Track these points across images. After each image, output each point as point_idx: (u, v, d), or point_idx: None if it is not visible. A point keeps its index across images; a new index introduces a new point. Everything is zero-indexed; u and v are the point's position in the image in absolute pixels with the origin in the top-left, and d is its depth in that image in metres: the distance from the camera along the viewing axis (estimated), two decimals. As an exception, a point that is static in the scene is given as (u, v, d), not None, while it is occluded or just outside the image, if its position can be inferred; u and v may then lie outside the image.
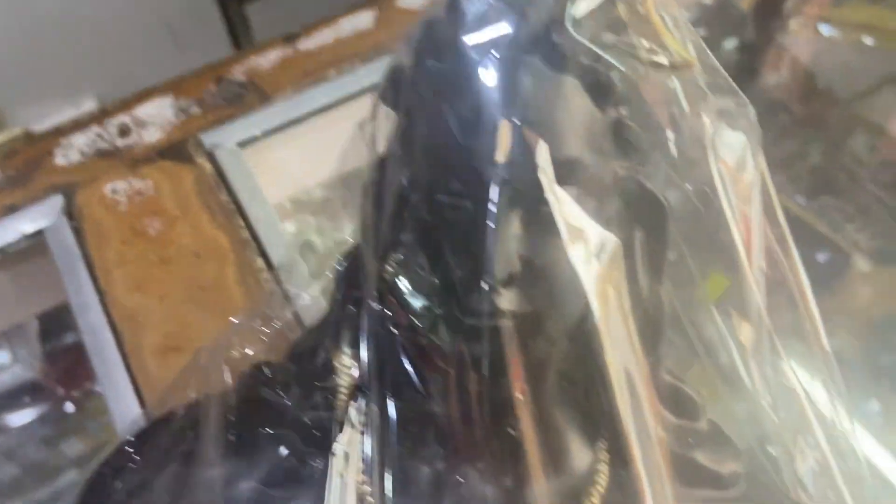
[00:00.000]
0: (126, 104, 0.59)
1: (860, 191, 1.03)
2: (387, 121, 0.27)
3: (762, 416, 0.30)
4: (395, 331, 0.26)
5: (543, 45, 0.23)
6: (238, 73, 0.60)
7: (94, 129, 0.57)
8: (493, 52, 0.22)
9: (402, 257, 0.24)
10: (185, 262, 0.51)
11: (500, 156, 0.21)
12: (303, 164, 0.59)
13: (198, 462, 0.30)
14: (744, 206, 0.28)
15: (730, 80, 0.27)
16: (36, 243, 0.54)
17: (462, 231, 0.23)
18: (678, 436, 0.28)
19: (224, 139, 0.56)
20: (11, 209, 0.54)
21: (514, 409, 0.24)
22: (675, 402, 0.30)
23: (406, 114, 0.25)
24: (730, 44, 1.12)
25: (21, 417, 0.95)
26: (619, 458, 0.28)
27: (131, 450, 0.33)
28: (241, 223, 0.52)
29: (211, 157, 0.55)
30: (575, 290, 0.24)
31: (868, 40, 1.18)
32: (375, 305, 0.26)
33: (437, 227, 0.23)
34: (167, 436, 0.33)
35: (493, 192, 0.21)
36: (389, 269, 0.25)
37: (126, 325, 0.48)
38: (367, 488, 0.28)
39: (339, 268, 0.31)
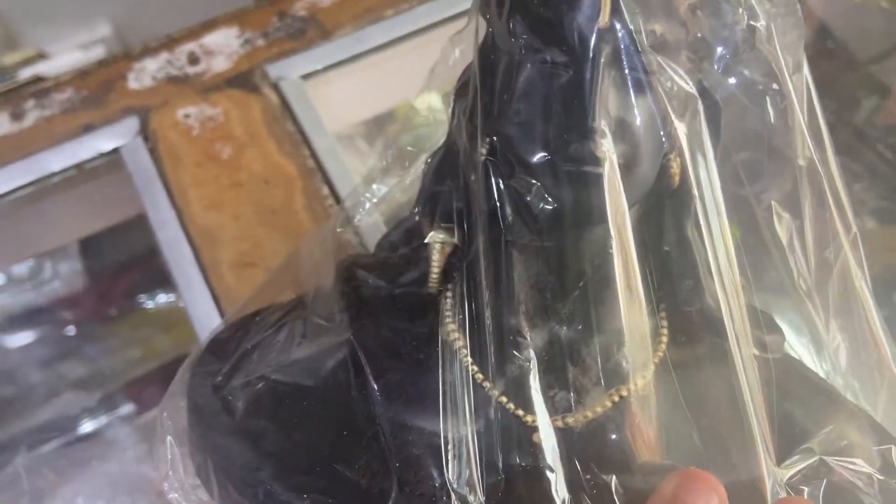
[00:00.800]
0: (193, 33, 0.61)
1: (868, 151, 1.07)
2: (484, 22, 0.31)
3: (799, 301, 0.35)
4: (502, 181, 0.30)
5: None
6: (300, 8, 0.63)
7: (164, 55, 0.60)
8: None
9: (508, 111, 0.28)
10: (256, 186, 0.54)
11: (603, 20, 0.25)
12: (360, 98, 0.62)
13: (314, 327, 0.34)
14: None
15: None
16: (110, 161, 0.57)
17: (568, 91, 0.27)
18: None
19: (288, 72, 0.59)
20: (88, 128, 0.57)
21: (609, 252, 0.29)
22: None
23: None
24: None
25: (21, 339, 0.99)
26: (676, 322, 0.33)
27: (250, 319, 0.37)
28: (307, 152, 0.56)
29: (276, 89, 0.59)
30: (657, 153, 0.29)
31: (884, 2, 1.20)
32: (484, 160, 0.29)
33: (545, 90, 0.27)
34: (278, 312, 0.37)
35: (596, 54, 0.26)
36: (487, 144, 0.29)
37: (203, 241, 0.52)
38: (464, 346, 0.32)
39: (429, 163, 0.35)
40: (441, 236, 0.34)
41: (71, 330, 0.98)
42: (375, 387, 0.33)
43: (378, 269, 0.37)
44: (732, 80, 0.32)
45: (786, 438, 0.31)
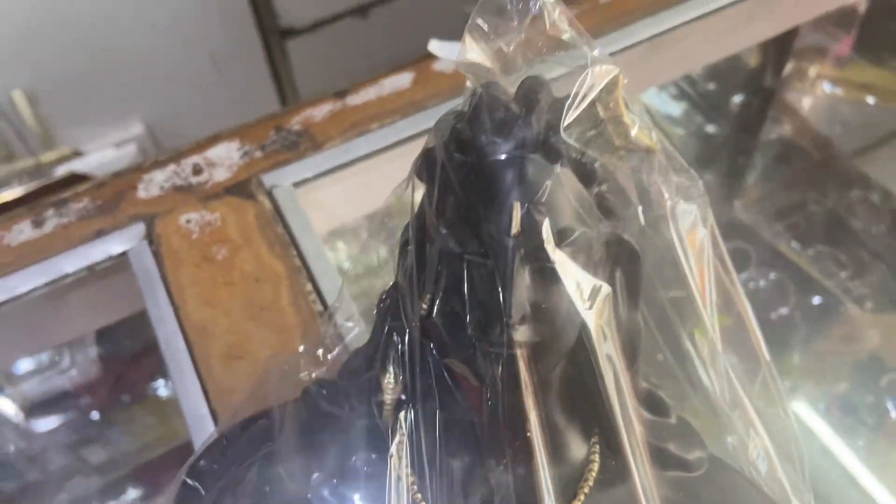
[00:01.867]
0: (199, 146, 0.68)
1: (854, 241, 1.11)
2: (420, 191, 0.36)
3: (721, 414, 0.38)
4: (434, 356, 0.34)
5: (544, 144, 0.31)
6: (295, 123, 0.70)
7: (172, 166, 0.67)
8: (505, 150, 0.31)
9: (439, 301, 0.33)
10: (247, 284, 0.60)
11: (514, 229, 0.30)
12: (347, 202, 0.68)
13: (278, 460, 0.39)
14: (698, 260, 0.37)
15: (683, 161, 0.36)
16: (119, 263, 0.63)
17: (486, 283, 0.31)
18: (653, 430, 0.36)
19: (281, 180, 0.66)
20: (100, 233, 0.64)
21: (526, 415, 0.33)
22: (651, 403, 0.38)
23: (438, 189, 0.33)
24: (737, 98, 1.21)
25: (47, 424, 1.04)
26: (609, 448, 0.36)
27: (222, 445, 0.42)
28: (294, 253, 0.61)
29: (270, 195, 0.65)
30: (572, 324, 0.33)
31: (870, 100, 1.26)
32: (419, 338, 0.34)
33: (466, 280, 0.32)
34: (249, 440, 0.41)
35: (510, 256, 0.30)
36: (426, 308, 0.34)
37: (196, 335, 0.57)
38: (413, 479, 0.36)
39: (381, 304, 0.39)
40: (389, 382, 0.38)
41: (94, 415, 1.04)
42: None
43: (336, 396, 0.41)
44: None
45: None
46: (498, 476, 0.35)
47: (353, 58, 1.77)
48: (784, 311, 1.05)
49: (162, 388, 1.04)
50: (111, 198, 0.66)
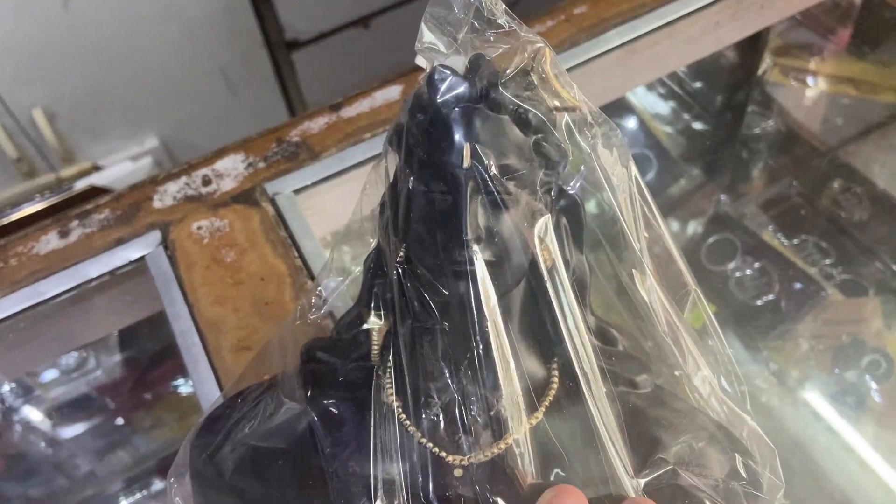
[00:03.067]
0: (207, 160, 0.75)
1: (837, 230, 1.15)
2: (393, 160, 0.42)
3: (667, 349, 0.44)
4: (410, 287, 0.40)
5: (486, 99, 0.38)
6: (294, 135, 0.76)
7: (183, 178, 0.73)
8: (455, 106, 0.37)
9: (410, 233, 0.39)
10: (253, 283, 0.66)
11: (465, 164, 0.37)
12: (343, 206, 0.74)
13: (281, 387, 0.45)
14: (624, 198, 0.43)
15: (604, 115, 0.42)
16: (138, 267, 0.70)
17: (448, 213, 0.37)
18: (603, 355, 0.42)
19: (283, 187, 0.72)
20: (119, 241, 0.70)
21: (490, 328, 0.39)
22: (600, 334, 0.44)
23: (405, 150, 0.39)
24: (722, 95, 1.25)
25: (73, 430, 1.10)
26: (566, 371, 0.42)
27: (235, 399, 0.48)
28: (295, 254, 0.68)
29: (273, 202, 0.71)
30: (524, 247, 0.39)
31: (852, 92, 1.31)
32: (399, 278, 0.40)
33: (433, 213, 0.38)
34: (257, 390, 0.47)
35: (463, 186, 0.37)
36: (402, 256, 0.40)
37: (209, 330, 0.63)
38: (398, 404, 0.42)
39: (367, 264, 0.46)
40: (377, 322, 0.45)
41: (119, 420, 1.10)
42: (324, 445, 0.44)
43: (333, 349, 0.47)
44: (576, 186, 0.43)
45: (646, 454, 0.41)
46: (466, 389, 0.41)
47: (357, 67, 1.84)
48: (769, 297, 1.10)
49: (183, 386, 1.10)
50: (129, 208, 0.72)
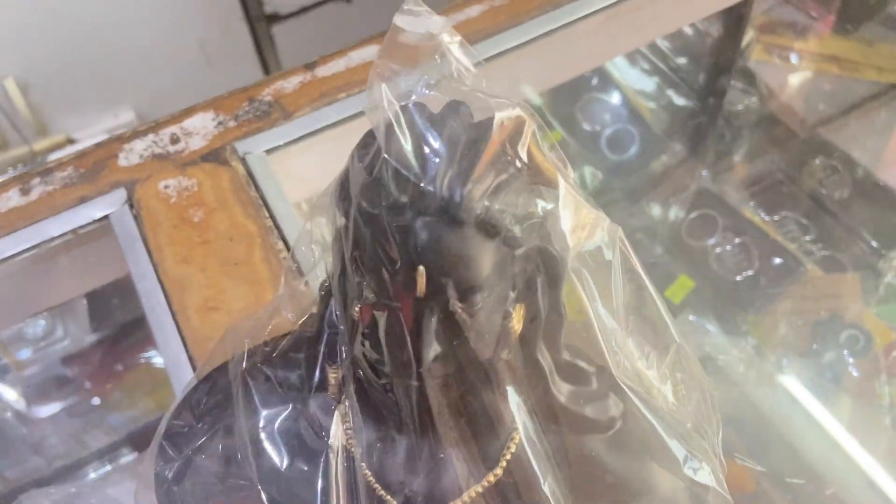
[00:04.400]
0: (175, 118, 0.72)
1: (818, 207, 1.15)
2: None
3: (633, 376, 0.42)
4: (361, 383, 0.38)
5: (447, 208, 0.32)
6: (266, 94, 0.74)
7: (150, 136, 0.71)
8: (408, 217, 0.32)
9: (364, 344, 0.36)
10: (221, 243, 0.64)
11: (420, 291, 0.32)
12: (316, 169, 0.72)
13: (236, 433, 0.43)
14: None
15: (588, 197, 0.38)
16: (102, 227, 0.67)
17: (399, 337, 0.34)
18: (573, 399, 0.40)
19: (254, 147, 0.70)
20: (82, 199, 0.68)
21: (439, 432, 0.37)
22: (572, 374, 0.41)
23: (353, 231, 0.34)
24: (705, 71, 1.24)
25: (49, 409, 1.08)
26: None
27: (191, 407, 0.46)
28: (266, 214, 0.65)
29: (243, 162, 0.69)
30: (477, 363, 0.36)
31: (835, 70, 1.30)
32: (350, 375, 0.38)
33: (383, 328, 0.34)
34: (213, 405, 0.46)
35: (421, 313, 0.33)
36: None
37: (174, 290, 0.61)
38: (354, 446, 0.41)
39: (321, 288, 0.42)
40: (335, 371, 0.42)
41: (90, 393, 1.08)
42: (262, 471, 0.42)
43: (286, 365, 0.45)
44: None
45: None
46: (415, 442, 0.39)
47: (338, 41, 1.81)
48: (749, 273, 1.09)
49: (155, 357, 1.08)
50: (94, 166, 0.70)
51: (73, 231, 0.67)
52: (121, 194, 0.67)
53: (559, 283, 0.38)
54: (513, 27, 0.76)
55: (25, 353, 1.02)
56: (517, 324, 0.36)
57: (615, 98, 1.26)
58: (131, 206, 0.67)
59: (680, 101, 1.23)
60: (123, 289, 0.79)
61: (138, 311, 1.03)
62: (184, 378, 0.57)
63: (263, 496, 0.41)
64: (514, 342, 0.37)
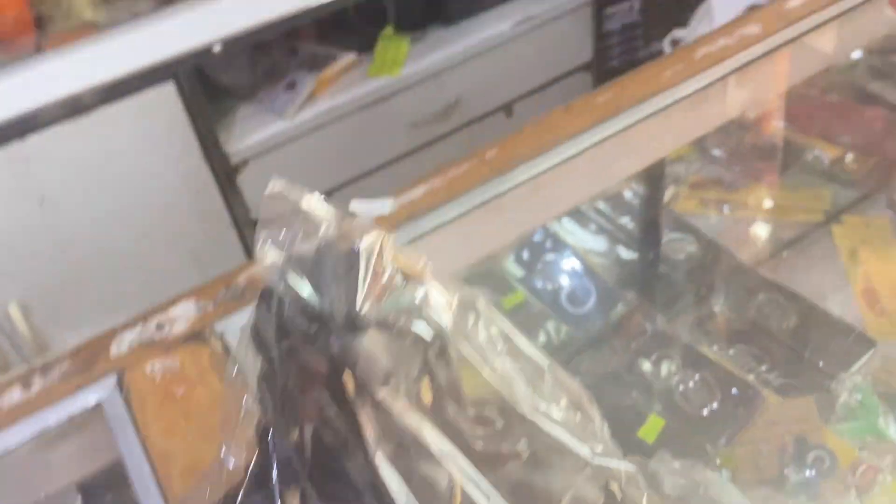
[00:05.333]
0: (161, 307, 0.82)
1: (767, 338, 1.23)
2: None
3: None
4: None
5: (347, 322, 0.41)
6: (241, 280, 0.84)
7: (139, 326, 0.80)
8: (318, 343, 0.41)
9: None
10: (203, 414, 0.71)
11: (349, 392, 0.41)
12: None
13: None
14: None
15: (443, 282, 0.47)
16: (95, 413, 0.74)
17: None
18: (488, 442, 0.46)
19: (230, 326, 0.79)
20: (78, 387, 0.76)
21: None
22: (482, 420, 0.48)
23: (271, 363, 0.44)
24: (642, 225, 1.37)
25: None
26: None
27: None
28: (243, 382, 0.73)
29: (222, 339, 0.78)
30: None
31: (764, 216, 1.43)
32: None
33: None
34: None
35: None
36: None
37: (160, 460, 0.68)
38: None
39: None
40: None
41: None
42: None
43: None
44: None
45: None
46: None
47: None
48: (714, 405, 1.14)
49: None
50: (88, 357, 0.78)
51: (69, 419, 0.74)
52: (112, 380, 0.75)
53: (447, 352, 0.46)
54: (447, 202, 0.88)
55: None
56: (427, 394, 0.44)
57: (569, 258, 1.37)
58: (121, 389, 0.74)
59: (626, 254, 1.34)
60: (118, 482, 0.85)
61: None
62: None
63: None
64: (427, 410, 0.44)
